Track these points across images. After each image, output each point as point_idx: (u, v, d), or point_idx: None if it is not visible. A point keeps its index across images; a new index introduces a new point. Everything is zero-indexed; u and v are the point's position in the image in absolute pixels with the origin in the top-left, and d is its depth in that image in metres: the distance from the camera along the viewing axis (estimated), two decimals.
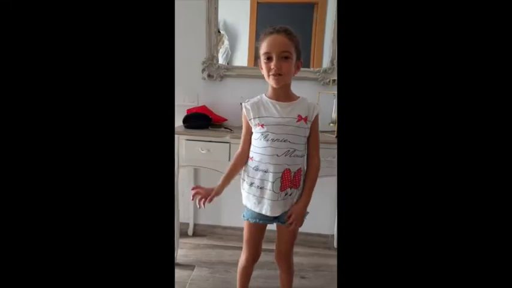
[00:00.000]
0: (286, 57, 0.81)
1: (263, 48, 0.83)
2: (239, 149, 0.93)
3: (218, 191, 0.90)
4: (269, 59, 0.82)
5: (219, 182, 0.91)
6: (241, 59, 1.52)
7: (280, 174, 0.85)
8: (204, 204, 0.87)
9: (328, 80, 1.46)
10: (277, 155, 0.84)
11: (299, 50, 0.85)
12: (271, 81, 0.85)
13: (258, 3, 1.50)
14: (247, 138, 0.91)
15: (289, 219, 0.87)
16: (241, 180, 0.94)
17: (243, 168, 0.93)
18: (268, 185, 0.86)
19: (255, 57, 1.48)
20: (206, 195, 0.88)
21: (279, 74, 0.82)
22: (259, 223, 0.92)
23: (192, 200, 0.89)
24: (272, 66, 0.81)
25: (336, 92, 1.35)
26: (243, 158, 0.92)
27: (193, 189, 0.89)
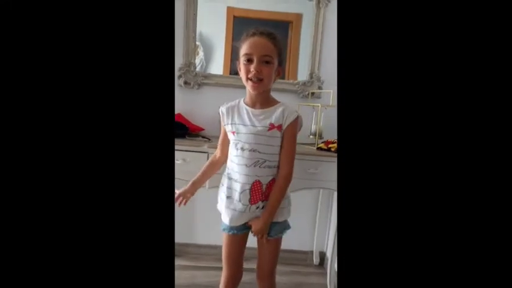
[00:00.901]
0: (268, 62, 0.77)
1: (244, 49, 0.78)
2: (215, 153, 0.92)
3: (190, 190, 0.89)
4: (249, 61, 0.77)
5: (192, 181, 0.90)
6: (217, 69, 1.49)
7: (249, 185, 0.80)
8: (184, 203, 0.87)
9: (307, 92, 1.46)
10: (246, 165, 0.80)
11: (282, 56, 0.82)
12: (249, 86, 0.79)
13: (234, 17, 1.49)
14: (224, 143, 0.89)
15: (254, 233, 0.85)
16: (221, 186, 0.90)
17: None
18: (236, 195, 0.81)
19: (231, 60, 1.47)
20: (183, 195, 0.88)
21: (259, 79, 0.77)
22: (237, 234, 0.85)
23: (180, 204, 0.87)
24: (252, 69, 0.76)
25: (314, 105, 1.35)
26: (218, 161, 0.91)
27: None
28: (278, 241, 0.88)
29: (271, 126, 0.80)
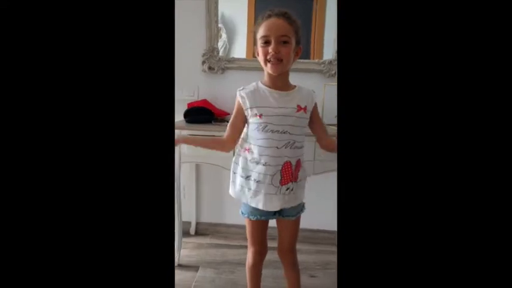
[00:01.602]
0: (285, 42, 0.76)
1: (261, 31, 0.77)
2: (225, 134, 0.87)
3: (183, 139, 0.93)
4: (267, 43, 0.77)
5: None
6: (240, 52, 1.47)
7: (280, 167, 0.81)
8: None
9: (333, 71, 1.41)
10: (277, 147, 0.80)
11: (299, 35, 0.80)
12: (269, 69, 0.79)
13: None
14: (237, 125, 0.86)
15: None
16: (232, 174, 0.89)
17: (234, 160, 0.89)
18: (267, 179, 0.81)
19: (254, 42, 1.43)
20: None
21: (278, 60, 0.77)
22: (260, 219, 0.88)
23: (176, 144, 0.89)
24: (270, 50, 0.76)
25: None
26: (221, 142, 0.89)
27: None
28: (298, 220, 0.92)
29: (299, 108, 0.82)
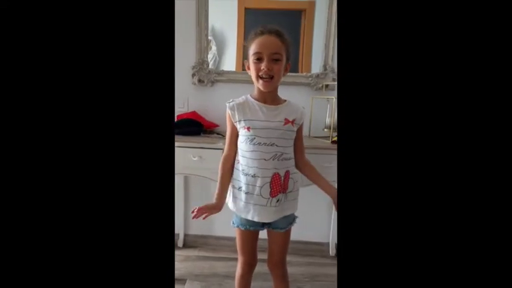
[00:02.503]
0: (277, 59, 0.79)
1: (254, 48, 0.80)
2: (225, 152, 0.89)
3: (218, 206, 0.84)
4: (259, 59, 0.80)
5: (216, 196, 0.85)
6: (229, 64, 1.50)
7: (269, 179, 0.82)
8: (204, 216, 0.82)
9: (320, 85, 1.44)
10: (264, 159, 0.81)
11: (289, 52, 0.83)
12: (260, 85, 0.82)
13: (245, 8, 1.48)
14: (233, 140, 0.88)
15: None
16: (230, 184, 0.90)
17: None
18: (256, 190, 0.82)
19: (243, 54, 1.46)
20: (208, 210, 0.82)
21: (270, 77, 0.80)
22: (249, 230, 0.88)
23: (195, 218, 0.82)
24: (262, 67, 0.79)
25: (329, 97, 1.34)
26: (232, 161, 0.88)
27: (196, 211, 0.82)
28: (288, 232, 0.92)
29: (286, 121, 0.84)
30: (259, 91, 0.84)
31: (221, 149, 1.16)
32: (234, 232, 0.93)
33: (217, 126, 1.39)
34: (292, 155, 0.87)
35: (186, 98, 1.48)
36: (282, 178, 0.83)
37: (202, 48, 1.43)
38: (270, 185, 0.82)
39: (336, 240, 1.60)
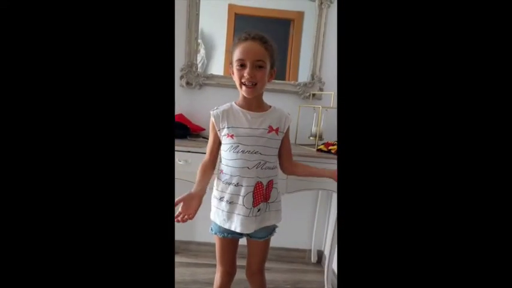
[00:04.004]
0: (260, 66, 0.78)
1: (237, 54, 0.79)
2: (205, 159, 0.87)
3: (198, 194, 0.80)
4: (242, 66, 0.78)
5: (195, 185, 0.81)
6: (217, 69, 1.49)
7: (252, 187, 0.81)
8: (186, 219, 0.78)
9: (308, 93, 1.47)
10: (248, 168, 0.80)
11: (274, 58, 0.82)
12: (243, 91, 0.81)
13: (235, 14, 1.49)
14: (215, 148, 0.87)
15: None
16: (212, 195, 0.89)
17: (215, 181, 0.88)
18: (239, 200, 0.81)
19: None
20: (188, 205, 0.78)
21: (253, 84, 0.79)
22: (228, 238, 0.87)
23: (179, 221, 0.78)
24: (245, 74, 0.78)
25: (315, 106, 1.37)
26: (211, 167, 0.87)
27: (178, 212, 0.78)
28: (267, 242, 0.92)
29: (270, 129, 0.83)
30: (244, 98, 0.84)
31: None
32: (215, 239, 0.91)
33: (203, 130, 1.38)
34: (276, 164, 0.87)
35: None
36: (265, 187, 0.82)
37: (192, 50, 1.42)
38: (253, 194, 0.81)
39: (317, 248, 1.62)
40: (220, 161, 0.86)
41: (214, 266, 0.91)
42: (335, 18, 1.42)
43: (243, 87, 0.80)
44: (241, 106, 0.85)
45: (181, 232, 1.58)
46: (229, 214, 0.83)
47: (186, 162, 1.15)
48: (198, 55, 1.46)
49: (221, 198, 0.84)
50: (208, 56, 1.50)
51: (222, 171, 0.85)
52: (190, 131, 1.31)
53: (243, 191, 0.81)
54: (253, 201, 0.82)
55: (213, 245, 1.56)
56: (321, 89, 1.47)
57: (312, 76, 1.47)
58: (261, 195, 0.82)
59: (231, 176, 0.82)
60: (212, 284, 0.95)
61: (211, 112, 0.85)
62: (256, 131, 0.81)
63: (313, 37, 1.45)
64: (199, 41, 1.45)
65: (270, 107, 0.88)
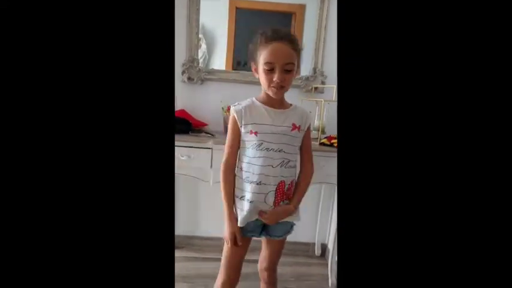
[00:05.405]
0: (290, 70, 0.75)
1: (265, 56, 0.74)
2: (227, 161, 0.82)
3: (236, 229, 0.82)
4: (271, 69, 0.74)
5: (228, 219, 0.82)
6: (219, 63, 1.49)
7: (275, 186, 0.79)
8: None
9: (310, 87, 1.46)
10: (272, 166, 0.78)
11: (300, 57, 0.79)
12: (270, 92, 0.78)
13: (237, 8, 1.48)
14: (236, 145, 0.82)
15: (262, 215, 0.80)
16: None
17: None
18: (261, 198, 0.79)
19: (233, 54, 1.46)
20: (232, 240, 0.82)
21: (281, 87, 0.76)
22: (245, 237, 0.84)
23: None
24: (275, 79, 0.74)
25: (318, 100, 1.36)
26: (234, 168, 0.83)
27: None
28: (284, 240, 0.91)
29: (294, 127, 0.80)
30: (267, 94, 0.80)
31: (210, 148, 1.15)
32: (220, 232, 0.91)
33: (205, 125, 1.38)
34: (296, 162, 0.84)
35: (175, 96, 1.46)
36: (286, 186, 0.81)
37: (193, 45, 1.41)
38: (275, 193, 0.79)
39: (321, 241, 1.63)
40: (240, 159, 0.83)
41: (219, 260, 0.90)
42: (336, 11, 1.41)
43: (270, 90, 0.77)
44: (263, 102, 0.81)
45: (186, 227, 1.59)
46: (251, 212, 0.80)
47: (189, 158, 1.15)
48: (199, 50, 1.45)
49: (242, 197, 0.81)
50: (210, 51, 1.49)
51: (241, 168, 0.81)
52: (192, 126, 1.31)
53: (266, 190, 0.79)
54: (274, 200, 0.80)
55: (218, 239, 1.57)
56: (323, 83, 1.46)
57: (314, 70, 1.46)
58: (283, 193, 0.81)
59: (253, 173, 0.79)
60: (216, 277, 0.96)
61: (233, 108, 0.81)
62: (279, 128, 0.78)
63: (314, 30, 1.43)
64: (201, 35, 1.44)
65: (291, 105, 0.85)
